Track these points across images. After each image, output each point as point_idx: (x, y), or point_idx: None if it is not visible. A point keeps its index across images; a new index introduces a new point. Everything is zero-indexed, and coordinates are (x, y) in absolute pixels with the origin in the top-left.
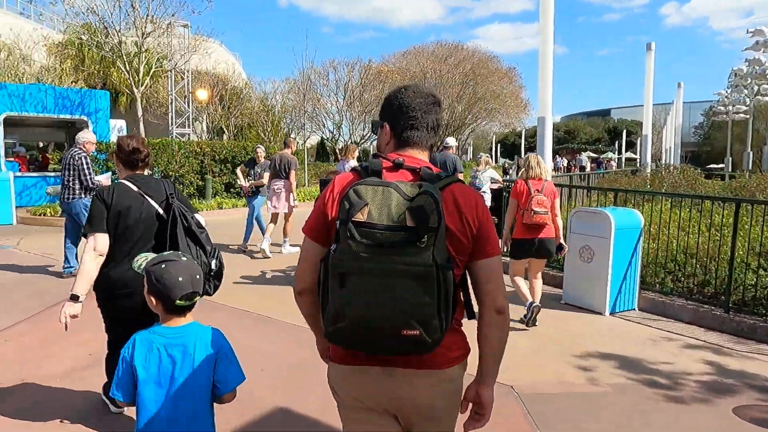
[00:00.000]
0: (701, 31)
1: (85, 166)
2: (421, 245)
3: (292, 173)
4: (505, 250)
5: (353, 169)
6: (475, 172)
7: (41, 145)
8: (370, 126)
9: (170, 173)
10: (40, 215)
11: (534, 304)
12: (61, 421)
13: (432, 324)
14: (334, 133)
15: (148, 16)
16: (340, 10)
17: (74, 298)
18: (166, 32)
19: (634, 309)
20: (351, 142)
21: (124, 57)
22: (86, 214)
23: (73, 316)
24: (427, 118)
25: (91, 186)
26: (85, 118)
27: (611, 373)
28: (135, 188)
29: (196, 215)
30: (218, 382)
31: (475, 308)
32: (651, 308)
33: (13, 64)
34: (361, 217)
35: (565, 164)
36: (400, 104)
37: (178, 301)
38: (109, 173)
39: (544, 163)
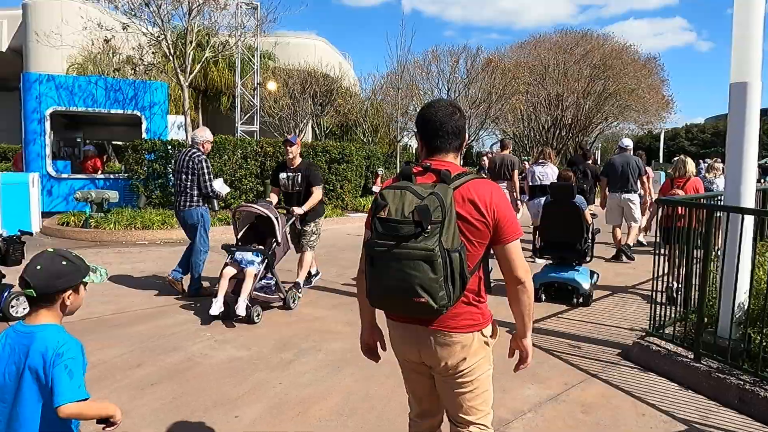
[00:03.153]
0: None
1: (205, 170)
2: (426, 234)
3: (515, 173)
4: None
5: (394, 177)
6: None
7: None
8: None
9: (225, 177)
10: (63, 224)
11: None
12: None
13: (438, 294)
14: None
15: None
16: (464, 13)
17: None
18: (219, 10)
19: None
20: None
21: (168, 37)
22: (203, 224)
23: None
24: (447, 126)
25: (209, 194)
26: (139, 113)
27: None
28: None
29: None
30: (52, 390)
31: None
32: None
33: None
34: (383, 214)
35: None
36: (423, 119)
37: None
38: (221, 179)
39: (692, 163)
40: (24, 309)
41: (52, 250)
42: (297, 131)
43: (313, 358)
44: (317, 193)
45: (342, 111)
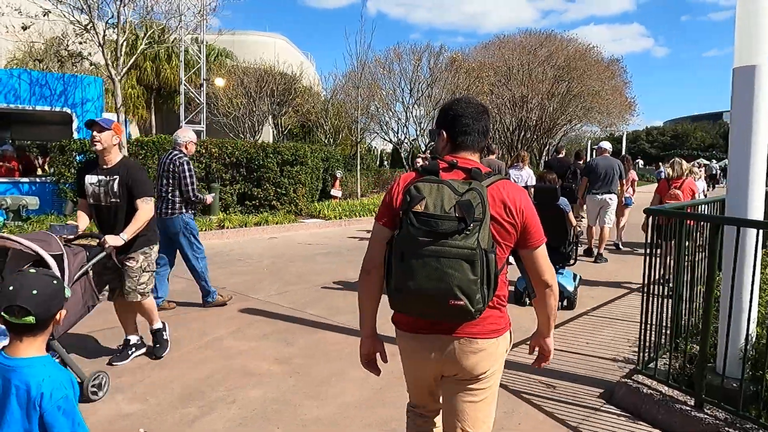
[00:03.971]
0: None
1: (188, 173)
2: (467, 232)
3: None
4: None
5: (414, 169)
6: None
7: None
8: (428, 133)
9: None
10: None
11: None
12: None
13: (476, 297)
14: (399, 134)
15: None
16: (429, 16)
17: None
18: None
19: None
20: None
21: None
22: (188, 234)
23: None
24: (477, 125)
25: (193, 199)
26: (69, 111)
27: None
28: None
29: None
30: None
31: None
32: None
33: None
34: (419, 208)
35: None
36: (454, 114)
37: (9, 317)
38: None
39: (687, 164)
40: None
41: (33, 270)
42: (253, 132)
43: (224, 414)
44: (144, 209)
45: (301, 111)
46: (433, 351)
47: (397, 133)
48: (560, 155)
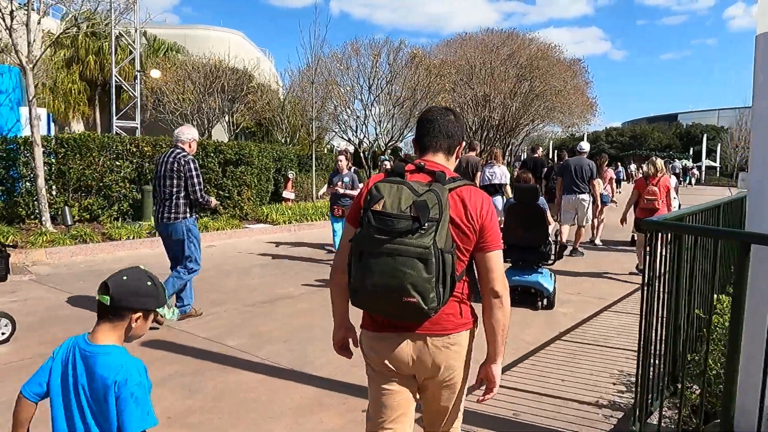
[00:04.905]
0: None
1: (194, 173)
2: (422, 231)
3: (478, 175)
4: (623, 225)
5: (383, 171)
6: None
7: None
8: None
9: (90, 183)
10: None
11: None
12: None
13: (429, 295)
14: (358, 134)
15: None
16: (393, 17)
17: None
18: None
19: None
20: (386, 150)
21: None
22: (188, 243)
23: None
24: (440, 126)
25: (201, 201)
26: None
27: None
28: None
29: None
30: (119, 419)
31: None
32: None
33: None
34: (378, 207)
35: (634, 171)
36: (420, 119)
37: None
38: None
39: (662, 162)
40: (2, 333)
41: (143, 267)
42: (202, 130)
43: None
44: None
45: (254, 108)
46: (406, 348)
47: (356, 133)
48: (536, 154)
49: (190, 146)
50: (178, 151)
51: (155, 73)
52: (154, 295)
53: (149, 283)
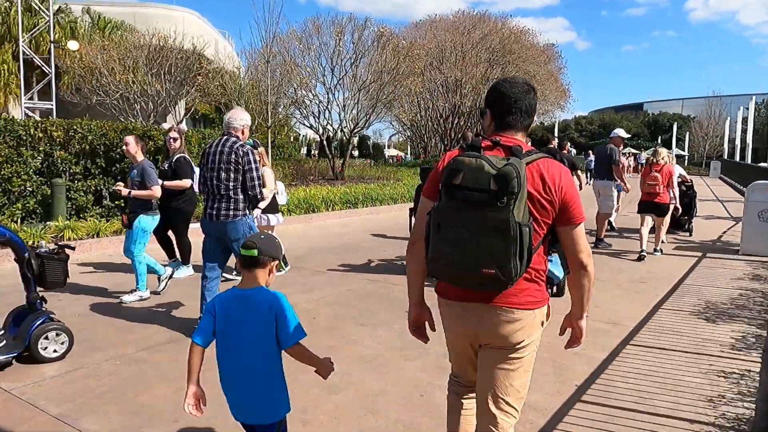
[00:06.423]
0: (729, 26)
1: (254, 166)
2: (501, 205)
3: None
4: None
5: (459, 146)
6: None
7: None
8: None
9: None
10: None
11: (642, 252)
12: None
13: (507, 267)
14: (320, 120)
15: None
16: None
17: None
18: None
19: None
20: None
21: None
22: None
23: None
24: (521, 104)
25: (261, 198)
26: None
27: None
28: None
29: None
30: (280, 338)
31: None
32: None
33: None
34: (456, 180)
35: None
36: (500, 93)
37: (241, 250)
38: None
39: (666, 150)
40: (55, 351)
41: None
42: (147, 115)
43: None
44: None
45: (206, 91)
46: (470, 318)
47: (319, 119)
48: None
49: (243, 133)
50: (233, 140)
51: (73, 45)
52: (280, 249)
53: (276, 241)
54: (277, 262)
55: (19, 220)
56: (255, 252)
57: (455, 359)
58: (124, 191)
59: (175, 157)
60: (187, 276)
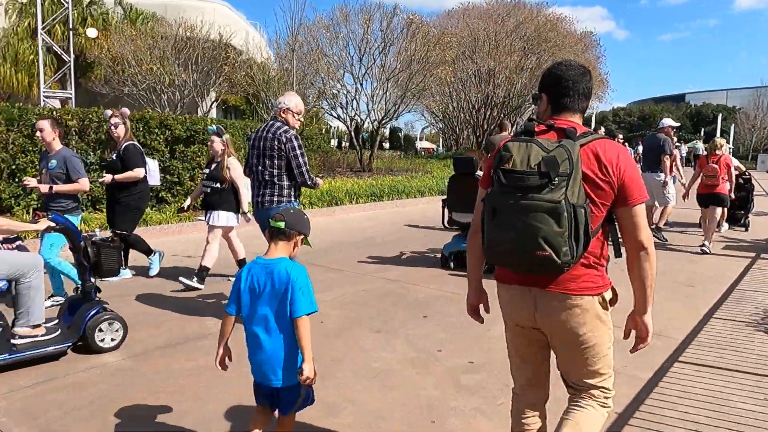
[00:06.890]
0: None
1: (299, 152)
2: (552, 186)
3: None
4: (684, 201)
5: (515, 133)
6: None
7: None
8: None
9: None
10: None
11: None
12: None
13: (562, 249)
14: (348, 111)
15: None
16: None
17: None
18: None
19: None
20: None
21: None
22: None
23: None
24: (578, 86)
25: (309, 184)
26: None
27: None
28: None
29: None
30: (291, 307)
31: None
32: None
33: None
34: (507, 165)
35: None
36: (555, 76)
37: (271, 221)
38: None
39: (724, 141)
40: (112, 340)
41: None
42: (174, 106)
43: None
44: None
45: (233, 82)
46: (527, 301)
47: (346, 109)
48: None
49: (298, 118)
50: (279, 125)
51: (92, 32)
52: (308, 225)
53: (305, 216)
54: (302, 237)
55: (32, 212)
56: (282, 224)
57: (515, 360)
58: (44, 189)
59: (123, 146)
60: (122, 279)
